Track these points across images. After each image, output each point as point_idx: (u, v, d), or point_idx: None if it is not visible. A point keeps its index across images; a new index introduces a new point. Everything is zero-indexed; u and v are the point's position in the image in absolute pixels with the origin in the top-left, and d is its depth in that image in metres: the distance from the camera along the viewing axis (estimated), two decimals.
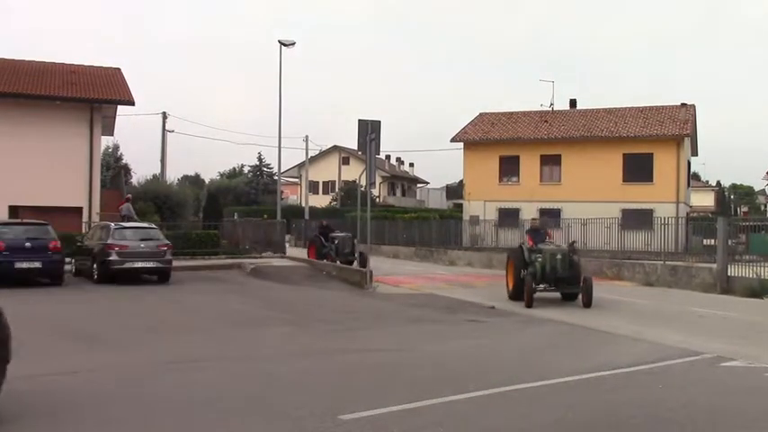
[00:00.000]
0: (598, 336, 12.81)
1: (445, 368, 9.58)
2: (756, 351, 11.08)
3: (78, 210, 28.24)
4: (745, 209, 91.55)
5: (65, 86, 29.34)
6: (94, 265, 20.73)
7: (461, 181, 49.06)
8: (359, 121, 21.03)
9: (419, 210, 62.89)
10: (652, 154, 40.80)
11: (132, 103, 29.87)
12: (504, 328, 13.70)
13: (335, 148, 75.30)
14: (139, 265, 20.73)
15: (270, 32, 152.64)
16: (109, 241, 20.53)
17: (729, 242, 22.19)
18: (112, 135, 39.88)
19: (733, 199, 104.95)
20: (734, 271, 20.96)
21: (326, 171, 76.23)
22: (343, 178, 70.76)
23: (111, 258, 20.30)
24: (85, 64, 33.32)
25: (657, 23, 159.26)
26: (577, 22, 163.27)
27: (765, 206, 65.27)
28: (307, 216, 56.65)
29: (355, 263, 27.59)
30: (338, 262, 26.80)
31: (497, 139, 44.79)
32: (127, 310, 15.49)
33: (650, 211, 34.20)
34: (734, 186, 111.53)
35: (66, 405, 7.24)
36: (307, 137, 61.13)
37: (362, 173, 22.21)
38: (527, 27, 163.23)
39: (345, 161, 74.14)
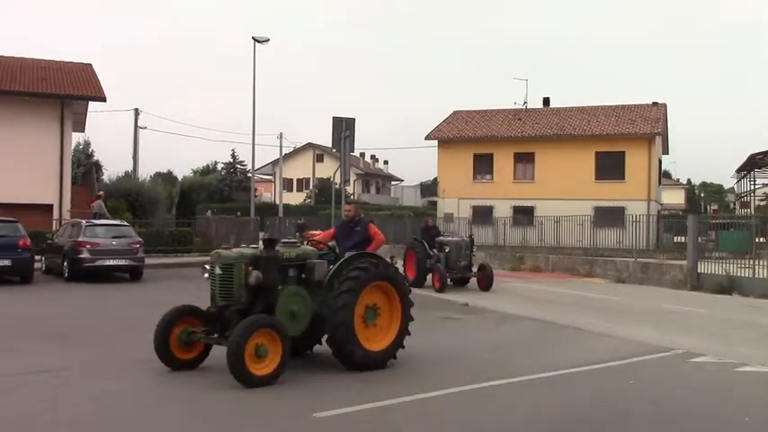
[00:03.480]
0: (571, 332, 12.93)
1: (419, 365, 9.61)
2: (725, 347, 11.27)
3: (49, 207, 27.89)
4: (714, 207, 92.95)
5: (35, 82, 28.95)
6: (65, 263, 20.48)
7: (436, 178, 49.21)
8: (333, 118, 21.02)
9: (393, 207, 62.97)
10: (624, 152, 41.18)
11: (104, 99, 29.56)
12: (477, 325, 13.78)
13: (310, 146, 75.02)
14: (111, 262, 20.52)
15: (244, 29, 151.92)
16: (80, 239, 20.29)
17: (699, 239, 22.54)
18: (83, 131, 39.45)
19: (703, 197, 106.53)
20: (704, 268, 21.28)
21: (301, 168, 75.98)
22: (317, 176, 70.55)
23: (82, 256, 20.07)
24: (56, 59, 32.91)
25: (629, 24, 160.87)
26: (551, 21, 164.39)
27: (734, 204, 66.24)
28: (281, 213, 56.47)
29: (472, 280, 20.48)
30: (449, 280, 20.03)
31: (471, 137, 44.95)
32: (99, 309, 15.32)
33: (622, 209, 34.54)
34: (704, 185, 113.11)
35: (36, 404, 7.16)
36: (281, 134, 61.06)
37: (337, 170, 22.23)
38: (501, 26, 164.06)
39: (320, 158, 73.92)
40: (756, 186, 46.46)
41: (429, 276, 20.22)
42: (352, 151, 21.81)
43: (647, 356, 10.44)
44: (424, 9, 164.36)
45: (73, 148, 37.84)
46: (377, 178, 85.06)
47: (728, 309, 16.79)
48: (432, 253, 20.41)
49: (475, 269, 20.54)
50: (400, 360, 10.00)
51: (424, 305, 16.63)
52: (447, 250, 20.16)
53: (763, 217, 30.31)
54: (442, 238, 21.20)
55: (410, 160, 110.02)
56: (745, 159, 41.29)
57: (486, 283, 19.74)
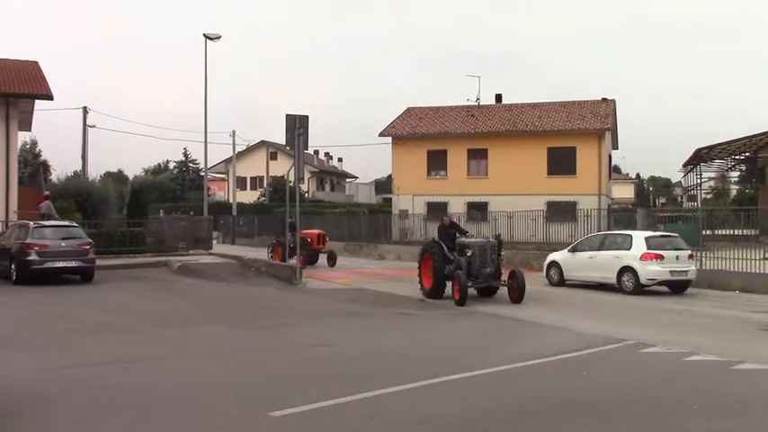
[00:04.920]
0: (525, 326, 13.10)
1: (377, 362, 9.64)
2: (674, 337, 11.54)
3: None
4: (663, 200, 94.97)
5: None
6: (13, 266, 20.00)
7: (390, 175, 49.30)
8: (287, 115, 20.88)
9: (348, 204, 62.90)
10: (575, 148, 41.84)
11: (51, 98, 28.85)
12: (433, 321, 13.86)
13: (263, 144, 74.50)
14: (61, 264, 20.08)
15: (197, 26, 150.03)
16: (28, 240, 19.84)
17: None
18: (30, 130, 38.51)
19: (652, 191, 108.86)
20: None
21: (254, 166, 75.37)
22: (271, 174, 70.08)
23: (30, 258, 19.61)
24: (0, 57, 32.02)
25: (579, 20, 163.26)
26: (502, 19, 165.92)
27: (682, 198, 67.82)
28: (234, 212, 55.96)
29: (502, 289, 17.16)
30: (474, 289, 16.99)
31: (425, 134, 45.17)
32: (49, 312, 15.00)
33: (574, 204, 35.02)
34: (652, 179, 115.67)
35: None
36: (234, 132, 60.34)
37: (291, 168, 22.07)
38: (453, 23, 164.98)
39: (273, 156, 73.44)
40: (703, 180, 47.53)
41: (449, 285, 17.06)
42: (306, 149, 21.70)
43: (600, 348, 10.64)
44: (375, 6, 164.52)
45: (19, 147, 36.95)
46: (331, 176, 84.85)
47: (677, 300, 17.17)
48: (452, 257, 17.24)
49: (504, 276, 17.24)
50: (356, 357, 10.02)
51: (381, 302, 16.74)
52: (469, 254, 16.86)
53: (710, 210, 31.05)
54: (463, 239, 17.63)
55: (364, 157, 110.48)
56: (691, 154, 42.23)
57: (516, 294, 16.49)
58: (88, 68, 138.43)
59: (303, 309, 15.90)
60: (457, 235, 17.93)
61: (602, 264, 19.25)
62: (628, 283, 18.60)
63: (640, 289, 18.40)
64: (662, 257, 18.36)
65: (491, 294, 17.55)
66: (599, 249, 19.74)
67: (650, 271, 18.32)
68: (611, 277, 18.95)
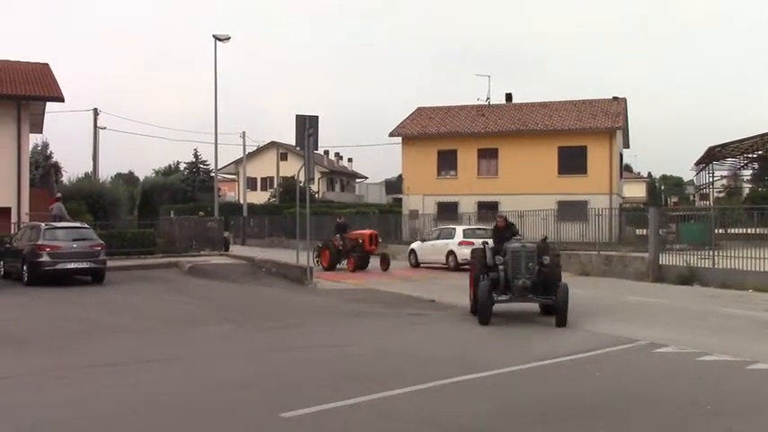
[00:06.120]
0: (536, 326, 13.03)
1: (387, 362, 9.60)
2: (687, 337, 11.43)
3: (6, 210, 27.30)
4: (674, 199, 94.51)
5: None
6: (24, 267, 20.10)
7: (400, 175, 49.25)
8: (297, 116, 20.87)
9: (359, 205, 62.92)
10: (586, 147, 41.63)
11: (62, 100, 29.00)
12: (444, 321, 13.80)
13: (273, 144, 74.50)
14: (72, 265, 20.16)
15: (207, 26, 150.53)
16: (39, 242, 19.93)
17: (660, 232, 22.84)
18: (41, 132, 38.73)
19: (663, 190, 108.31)
20: (665, 260, 21.59)
21: (264, 167, 75.41)
22: (281, 174, 70.07)
23: (42, 260, 19.70)
24: (11, 59, 32.19)
25: (591, 19, 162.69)
26: (512, 17, 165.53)
27: (694, 196, 67.47)
28: (245, 213, 56.09)
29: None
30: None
31: (435, 134, 45.09)
32: (60, 313, 15.05)
33: (585, 203, 34.87)
34: (664, 177, 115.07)
35: None
36: (244, 133, 60.36)
37: (301, 168, 22.06)
38: (464, 22, 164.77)
39: (284, 157, 73.44)
40: (715, 179, 47.27)
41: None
42: (316, 149, 21.69)
43: (612, 348, 10.56)
44: (387, 4, 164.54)
45: (30, 149, 37.12)
46: (341, 176, 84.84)
47: (690, 299, 17.04)
48: (495, 263, 13.67)
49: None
50: (367, 358, 10.00)
51: (391, 303, 16.68)
52: (501, 262, 13.53)
53: (722, 209, 30.84)
54: (511, 244, 13.81)
55: (374, 157, 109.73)
56: (703, 152, 41.97)
57: (557, 316, 12.89)
58: (98, 70, 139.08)
59: (314, 309, 15.88)
60: (515, 238, 14.42)
61: (438, 249, 26.54)
62: (451, 263, 25.83)
63: (458, 266, 24.96)
64: (472, 243, 21.98)
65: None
66: (437, 239, 27.24)
67: (464, 253, 22.79)
68: (442, 259, 26.32)
